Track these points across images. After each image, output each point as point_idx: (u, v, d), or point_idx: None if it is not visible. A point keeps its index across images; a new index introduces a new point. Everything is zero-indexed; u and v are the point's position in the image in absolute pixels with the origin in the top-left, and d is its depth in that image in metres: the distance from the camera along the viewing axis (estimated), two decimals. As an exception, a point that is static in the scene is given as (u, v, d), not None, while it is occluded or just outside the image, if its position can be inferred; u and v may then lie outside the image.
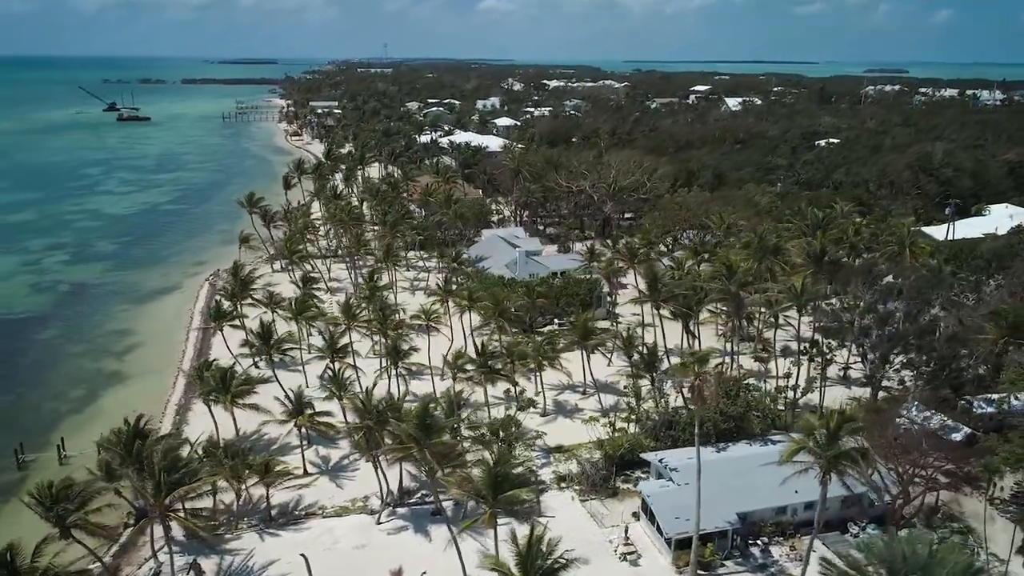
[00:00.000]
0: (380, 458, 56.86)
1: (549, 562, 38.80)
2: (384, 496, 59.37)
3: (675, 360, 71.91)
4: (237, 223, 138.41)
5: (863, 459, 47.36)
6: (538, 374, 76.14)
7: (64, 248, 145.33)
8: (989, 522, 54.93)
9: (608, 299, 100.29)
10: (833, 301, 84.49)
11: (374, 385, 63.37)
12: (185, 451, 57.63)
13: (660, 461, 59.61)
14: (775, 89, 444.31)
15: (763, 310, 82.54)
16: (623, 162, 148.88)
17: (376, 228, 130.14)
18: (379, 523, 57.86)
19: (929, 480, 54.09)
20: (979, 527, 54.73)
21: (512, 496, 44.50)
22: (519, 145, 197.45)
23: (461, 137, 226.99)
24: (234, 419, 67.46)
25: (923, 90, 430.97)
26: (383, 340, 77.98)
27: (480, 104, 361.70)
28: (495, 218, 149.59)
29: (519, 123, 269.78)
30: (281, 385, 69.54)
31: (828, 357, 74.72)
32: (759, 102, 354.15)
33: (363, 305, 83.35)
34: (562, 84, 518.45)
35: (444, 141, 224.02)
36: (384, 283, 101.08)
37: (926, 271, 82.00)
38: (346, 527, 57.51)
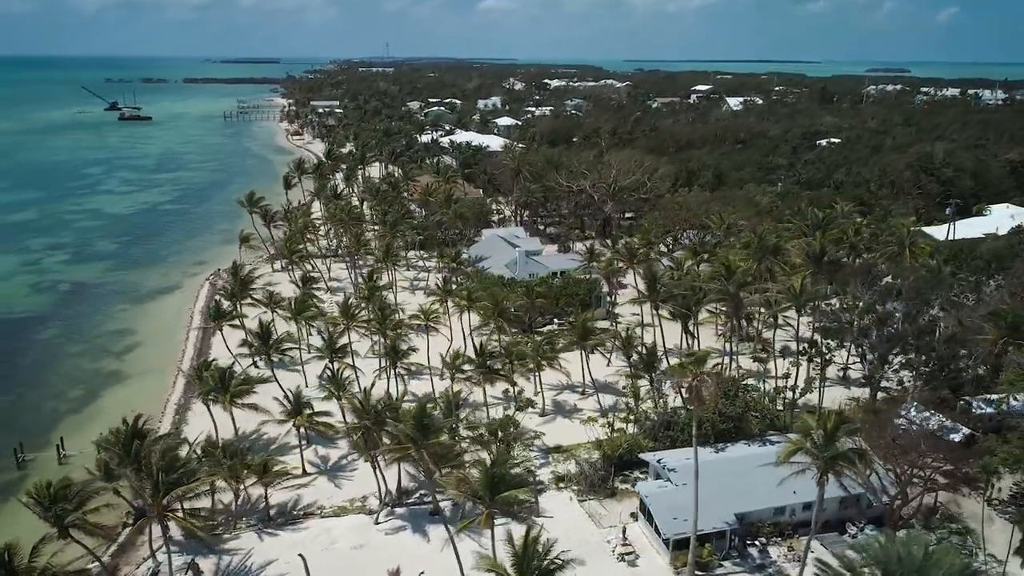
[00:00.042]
0: (378, 458, 56.91)
1: (545, 563, 38.80)
2: (382, 496, 59.42)
3: (674, 360, 71.86)
4: (238, 223, 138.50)
5: (861, 460, 47.28)
6: (537, 374, 76.20)
7: (64, 248, 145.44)
8: (987, 523, 54.98)
9: (608, 299, 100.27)
10: (833, 301, 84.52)
11: (372, 385, 63.30)
12: (184, 451, 57.76)
13: (658, 461, 59.61)
14: (776, 89, 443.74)
15: (762, 310, 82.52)
16: (623, 162, 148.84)
17: (376, 228, 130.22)
18: (377, 523, 57.89)
19: (927, 481, 54.06)
20: (977, 528, 54.71)
21: (509, 497, 44.45)
22: (520, 145, 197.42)
23: (462, 137, 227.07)
24: (233, 419, 67.50)
25: (925, 90, 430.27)
26: (382, 340, 78.02)
27: (481, 104, 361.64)
28: (495, 218, 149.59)
29: (520, 123, 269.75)
30: (280, 385, 69.60)
31: (827, 357, 74.67)
32: (760, 102, 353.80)
33: (362, 305, 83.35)
34: (563, 84, 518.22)
35: (445, 141, 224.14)
36: (384, 283, 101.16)
37: (925, 271, 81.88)
38: (344, 527, 57.54)
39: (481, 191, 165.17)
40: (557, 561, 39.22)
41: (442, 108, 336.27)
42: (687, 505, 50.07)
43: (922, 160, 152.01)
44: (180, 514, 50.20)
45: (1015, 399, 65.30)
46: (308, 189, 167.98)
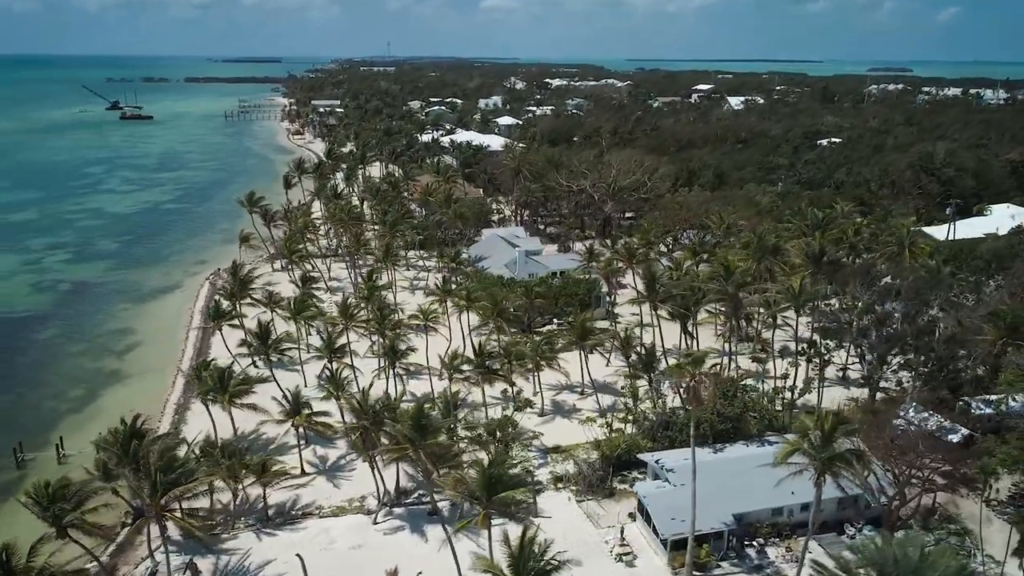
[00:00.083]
0: (377, 458, 56.96)
1: (542, 563, 38.84)
2: (381, 496, 59.48)
3: (673, 361, 71.84)
4: (238, 222, 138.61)
5: (858, 461, 47.23)
6: (536, 374, 76.22)
7: (65, 247, 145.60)
8: (986, 523, 54.91)
9: (607, 299, 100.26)
10: (832, 301, 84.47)
11: (370, 385, 63.39)
12: (182, 451, 57.82)
13: (657, 462, 59.61)
14: (778, 88, 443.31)
15: (761, 310, 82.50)
16: (624, 161, 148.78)
17: (376, 227, 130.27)
18: (375, 523, 57.95)
19: (926, 481, 54.01)
20: (976, 529, 54.67)
21: (506, 497, 44.50)
22: (520, 144, 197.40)
23: (462, 136, 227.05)
24: (232, 419, 67.60)
25: (926, 89, 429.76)
26: (381, 340, 78.07)
27: (482, 103, 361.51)
28: (495, 217, 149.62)
29: (521, 122, 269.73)
30: (279, 385, 69.67)
31: (826, 358, 74.65)
32: (762, 101, 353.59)
33: (361, 305, 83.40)
34: (564, 83, 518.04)
35: (445, 140, 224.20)
36: (383, 283, 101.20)
37: (925, 272, 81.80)
38: (342, 527, 57.61)
39: (481, 191, 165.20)
40: (553, 562, 39.26)
41: (443, 107, 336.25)
42: (685, 505, 50.08)
43: (923, 160, 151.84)
44: (178, 514, 50.39)
45: (1014, 400, 65.22)
46: (308, 189, 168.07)
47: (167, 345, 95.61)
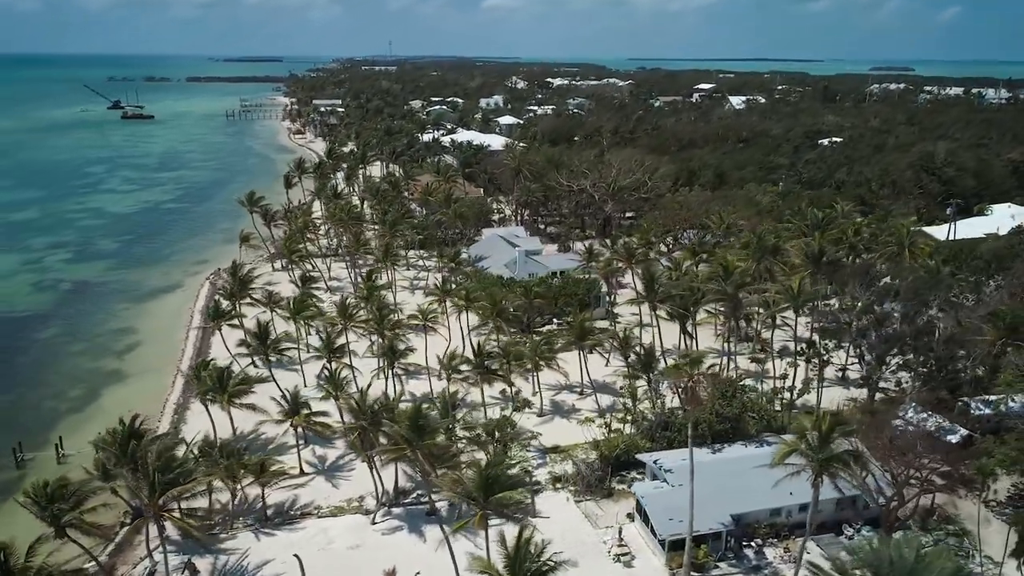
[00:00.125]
0: (375, 458, 56.99)
1: (538, 564, 38.85)
2: (379, 496, 59.52)
3: (672, 361, 71.82)
4: (239, 222, 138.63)
5: (856, 461, 47.22)
6: (535, 374, 76.22)
7: (66, 246, 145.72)
8: (984, 524, 54.86)
9: (607, 299, 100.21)
10: (831, 302, 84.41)
11: (369, 385, 63.47)
12: (181, 451, 57.87)
13: (655, 462, 59.62)
14: (779, 87, 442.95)
15: (760, 311, 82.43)
16: (624, 161, 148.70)
17: (376, 227, 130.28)
18: (374, 523, 57.99)
19: (924, 482, 53.96)
20: (974, 529, 54.62)
21: (504, 498, 44.51)
22: (521, 144, 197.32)
23: (463, 136, 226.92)
24: (231, 419, 67.68)
25: (928, 88, 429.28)
26: (380, 340, 78.09)
27: (483, 102, 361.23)
28: (495, 217, 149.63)
29: (522, 122, 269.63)
30: (278, 385, 69.73)
31: (825, 358, 74.59)
32: (763, 100, 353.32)
33: (361, 305, 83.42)
34: (566, 83, 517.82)
35: (446, 140, 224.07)
36: (383, 282, 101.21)
37: (924, 272, 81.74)
38: (341, 527, 57.66)
39: (481, 190, 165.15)
40: (550, 562, 39.28)
41: (444, 107, 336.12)
42: (683, 506, 50.09)
43: (924, 159, 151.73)
44: (177, 514, 50.42)
45: (1013, 400, 65.19)
46: (309, 188, 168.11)
47: (167, 345, 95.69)
